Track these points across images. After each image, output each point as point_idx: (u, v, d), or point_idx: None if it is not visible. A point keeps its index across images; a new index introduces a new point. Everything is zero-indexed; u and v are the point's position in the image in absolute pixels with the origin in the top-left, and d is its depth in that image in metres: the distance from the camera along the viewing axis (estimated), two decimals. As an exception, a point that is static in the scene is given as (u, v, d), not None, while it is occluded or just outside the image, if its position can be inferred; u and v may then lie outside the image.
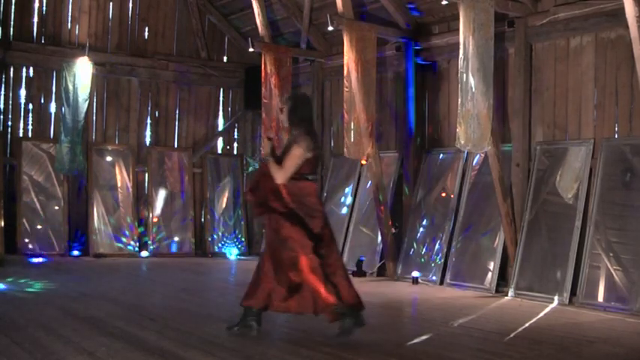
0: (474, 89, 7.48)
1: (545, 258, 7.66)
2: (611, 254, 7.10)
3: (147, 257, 11.35)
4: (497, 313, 6.75)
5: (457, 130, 7.59)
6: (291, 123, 5.43)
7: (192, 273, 9.56)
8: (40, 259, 10.30)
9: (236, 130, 13.01)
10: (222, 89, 12.83)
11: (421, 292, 8.20)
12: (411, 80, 9.62)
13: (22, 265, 9.51)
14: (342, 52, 9.10)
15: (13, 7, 10.95)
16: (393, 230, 9.37)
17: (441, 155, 9.43)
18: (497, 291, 7.95)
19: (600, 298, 7.04)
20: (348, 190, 10.59)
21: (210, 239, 12.14)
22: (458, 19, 7.74)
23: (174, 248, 11.77)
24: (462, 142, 7.56)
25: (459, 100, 7.59)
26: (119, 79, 11.84)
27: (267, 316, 6.49)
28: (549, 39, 8.11)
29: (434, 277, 8.75)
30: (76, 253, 10.95)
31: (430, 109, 9.70)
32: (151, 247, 11.55)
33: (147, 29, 12.16)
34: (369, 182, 9.72)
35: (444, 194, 9.13)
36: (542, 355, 5.00)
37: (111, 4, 11.81)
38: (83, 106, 11.02)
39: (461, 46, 7.54)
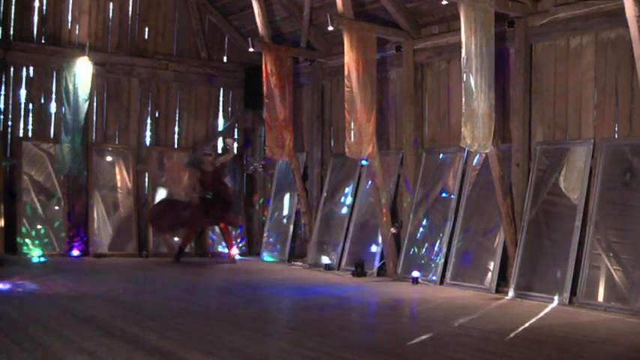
0: (474, 89, 7.50)
1: (545, 258, 7.66)
2: (611, 254, 7.10)
3: (147, 257, 11.34)
4: (497, 313, 6.75)
5: (462, 130, 7.61)
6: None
7: (192, 273, 9.56)
8: (40, 259, 10.30)
9: (236, 130, 13.01)
10: (222, 89, 12.83)
11: (421, 292, 8.20)
12: (411, 80, 9.64)
13: (22, 265, 9.51)
14: (342, 52, 9.10)
15: (13, 7, 10.95)
16: (393, 230, 9.37)
17: (441, 155, 9.43)
18: (497, 291, 7.95)
19: (600, 298, 7.04)
20: (348, 190, 10.59)
21: (210, 239, 12.15)
22: (458, 19, 7.76)
23: (174, 248, 11.72)
24: (468, 142, 7.59)
25: (463, 99, 7.61)
26: (119, 79, 11.84)
27: (267, 316, 6.51)
28: (549, 39, 8.11)
29: (434, 277, 8.75)
30: (76, 253, 10.95)
31: (430, 109, 9.70)
32: (152, 247, 11.54)
33: (147, 29, 12.16)
34: (369, 182, 9.73)
35: (444, 194, 9.14)
36: (542, 355, 5.00)
37: (111, 4, 11.82)
38: (83, 106, 11.02)
39: (463, 46, 7.56)
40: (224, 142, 12.24)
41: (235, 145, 11.97)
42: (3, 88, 10.94)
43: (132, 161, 11.75)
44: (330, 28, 9.04)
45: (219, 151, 12.45)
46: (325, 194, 10.99)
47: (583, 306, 7.05)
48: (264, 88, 10.71)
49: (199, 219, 10.93)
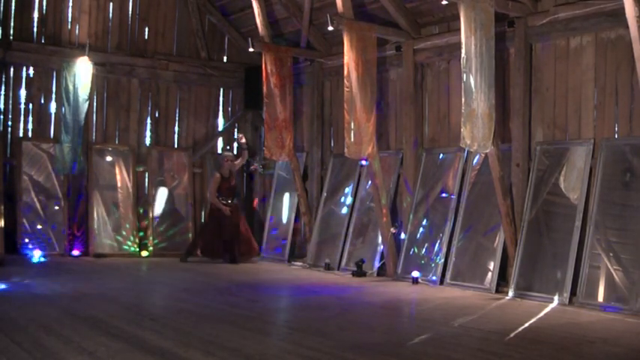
0: (474, 89, 7.51)
1: (545, 258, 7.66)
2: (611, 254, 7.10)
3: (147, 257, 11.35)
4: (497, 313, 6.75)
5: (462, 130, 7.62)
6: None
7: (192, 273, 9.56)
8: (40, 259, 10.30)
9: (236, 130, 13.00)
10: (222, 89, 12.83)
11: (421, 292, 8.20)
12: (411, 80, 9.64)
13: (22, 265, 9.51)
14: (342, 52, 9.11)
15: (13, 7, 10.96)
16: (393, 230, 9.37)
17: (441, 155, 9.43)
18: (497, 291, 7.95)
19: (600, 298, 7.04)
20: (348, 190, 10.59)
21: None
22: (458, 19, 7.77)
23: (174, 248, 11.73)
24: (468, 142, 7.59)
25: (463, 99, 7.62)
26: (119, 79, 11.84)
27: (267, 316, 6.52)
28: (549, 39, 8.11)
29: (434, 277, 8.75)
30: (76, 253, 10.95)
31: (430, 109, 9.70)
32: (151, 247, 11.55)
33: (147, 29, 12.16)
34: (369, 182, 9.73)
35: (444, 194, 9.14)
36: (542, 355, 5.00)
37: (111, 4, 11.82)
38: (83, 106, 11.02)
39: (463, 46, 7.57)
40: (239, 143, 12.18)
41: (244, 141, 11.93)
42: (3, 88, 10.94)
43: (132, 161, 11.75)
44: (330, 28, 9.05)
45: (234, 152, 12.42)
46: (325, 194, 10.98)
47: (583, 306, 7.05)
48: (264, 88, 10.72)
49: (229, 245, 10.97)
